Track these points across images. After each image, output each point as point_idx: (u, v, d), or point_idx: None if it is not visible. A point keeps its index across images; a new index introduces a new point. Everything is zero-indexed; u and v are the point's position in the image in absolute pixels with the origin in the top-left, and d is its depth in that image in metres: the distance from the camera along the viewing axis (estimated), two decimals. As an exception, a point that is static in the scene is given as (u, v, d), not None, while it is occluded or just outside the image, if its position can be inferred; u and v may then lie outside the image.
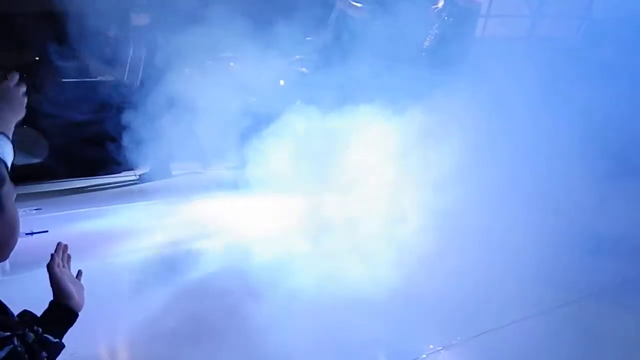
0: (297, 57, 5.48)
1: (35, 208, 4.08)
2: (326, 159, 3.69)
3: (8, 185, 0.98)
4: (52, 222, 3.68)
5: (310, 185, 3.54)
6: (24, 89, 1.28)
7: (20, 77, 1.29)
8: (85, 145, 4.67)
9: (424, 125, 3.38)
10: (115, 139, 4.71)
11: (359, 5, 4.22)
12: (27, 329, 0.97)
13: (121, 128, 4.46)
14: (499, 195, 2.92)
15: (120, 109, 4.64)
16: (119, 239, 3.28)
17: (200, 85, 5.24)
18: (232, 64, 6.98)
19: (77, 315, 1.17)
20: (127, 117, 4.43)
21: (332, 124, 3.77)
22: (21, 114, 1.28)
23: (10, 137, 1.21)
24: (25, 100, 1.29)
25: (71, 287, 1.18)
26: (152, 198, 4.27)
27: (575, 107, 3.17)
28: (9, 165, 1.17)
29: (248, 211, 3.67)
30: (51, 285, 1.17)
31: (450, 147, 3.14)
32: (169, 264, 2.88)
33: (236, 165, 4.69)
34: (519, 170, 2.98)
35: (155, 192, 4.52)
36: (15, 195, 1.01)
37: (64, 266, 1.24)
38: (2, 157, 1.16)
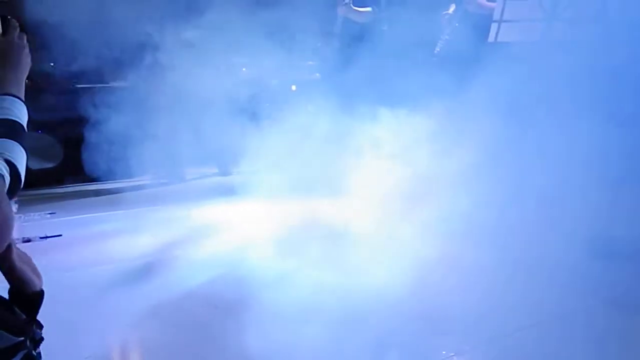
0: (310, 62, 5.51)
1: (49, 212, 4.12)
2: (336, 163, 3.70)
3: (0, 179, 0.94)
4: (66, 226, 3.71)
5: (313, 191, 3.55)
6: (25, 41, 1.21)
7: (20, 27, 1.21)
8: (100, 149, 4.70)
9: (433, 130, 3.38)
10: (130, 143, 4.76)
11: (367, 9, 4.22)
12: (35, 328, 0.94)
13: (136, 132, 4.50)
14: (509, 199, 2.90)
15: (134, 112, 4.69)
16: (132, 243, 3.29)
17: (212, 88, 5.30)
18: (244, 69, 7.03)
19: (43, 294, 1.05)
20: (141, 120, 4.48)
21: (342, 128, 3.77)
22: (28, 69, 1.21)
23: (23, 94, 1.17)
24: (29, 54, 1.22)
25: (30, 274, 1.04)
26: (164, 203, 4.30)
27: (589, 111, 3.15)
28: (25, 126, 1.15)
29: (261, 217, 3.66)
30: (9, 278, 1.02)
31: (459, 152, 3.13)
32: (180, 268, 2.88)
33: (248, 170, 4.72)
34: (532, 173, 2.96)
35: (167, 196, 4.55)
36: (6, 187, 0.97)
37: None
38: (19, 120, 1.14)
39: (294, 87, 6.28)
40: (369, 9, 4.20)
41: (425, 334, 2.20)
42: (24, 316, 0.94)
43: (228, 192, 4.37)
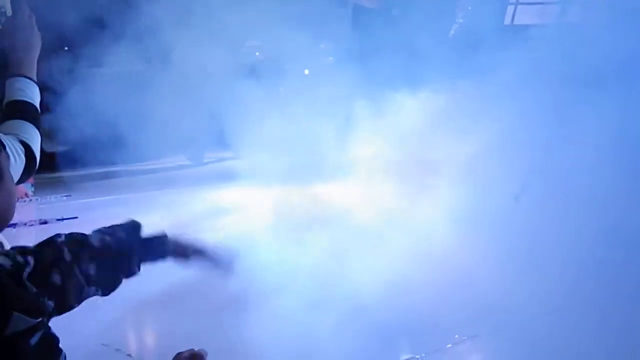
0: (322, 46, 5.47)
1: (65, 195, 4.17)
2: (345, 148, 3.68)
3: (4, 153, 0.92)
4: (82, 209, 3.77)
5: (322, 176, 3.54)
6: (34, 20, 1.20)
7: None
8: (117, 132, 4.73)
9: (446, 116, 3.35)
10: (146, 126, 4.79)
11: None
12: (46, 300, 0.88)
13: (150, 115, 4.53)
14: (519, 185, 2.87)
15: (149, 96, 4.71)
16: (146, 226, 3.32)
17: (225, 72, 5.29)
18: (257, 53, 7.02)
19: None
20: (156, 103, 4.50)
21: (354, 112, 3.76)
22: (39, 49, 1.21)
23: (35, 75, 1.17)
24: (39, 34, 1.21)
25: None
26: (180, 186, 4.33)
27: (606, 100, 3.10)
28: (38, 107, 1.15)
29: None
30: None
31: (469, 138, 3.10)
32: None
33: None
34: (543, 160, 2.92)
35: (183, 179, 4.58)
36: (10, 163, 0.96)
37: None
38: (32, 102, 1.15)
39: (306, 71, 6.27)
40: None
41: (437, 318, 2.21)
42: (35, 290, 0.87)
43: (240, 176, 4.39)
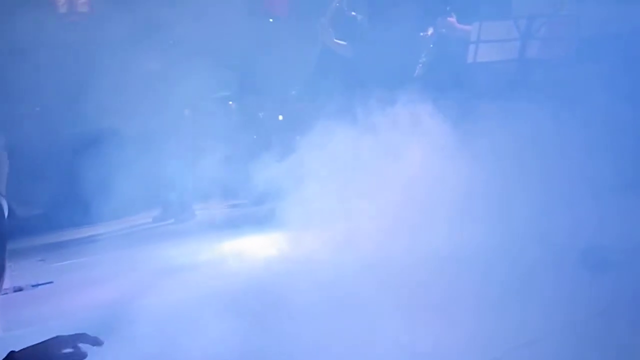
0: (293, 92, 5.58)
1: (39, 259, 4.07)
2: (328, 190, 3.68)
3: None
4: (58, 272, 3.66)
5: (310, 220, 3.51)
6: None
7: None
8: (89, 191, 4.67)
9: (414, 152, 3.38)
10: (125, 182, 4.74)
11: (343, 43, 4.30)
12: None
13: (128, 170, 4.49)
14: (494, 213, 2.89)
15: (125, 151, 4.69)
16: (125, 287, 3.24)
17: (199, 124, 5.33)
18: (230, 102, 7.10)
19: None
20: (132, 158, 4.47)
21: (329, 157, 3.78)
22: (6, 168, 1.23)
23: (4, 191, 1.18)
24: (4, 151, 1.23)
25: None
26: (160, 242, 4.26)
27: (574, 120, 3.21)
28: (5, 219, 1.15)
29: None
30: None
31: (442, 175, 3.13)
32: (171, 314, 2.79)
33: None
34: (517, 186, 2.96)
35: (164, 235, 4.50)
36: None
37: None
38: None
39: (280, 117, 6.36)
40: (345, 42, 4.27)
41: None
42: None
43: (228, 226, 4.36)
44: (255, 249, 3.68)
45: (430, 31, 3.75)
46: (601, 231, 2.69)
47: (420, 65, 3.87)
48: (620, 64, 3.98)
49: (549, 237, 2.73)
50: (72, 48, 5.09)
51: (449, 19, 3.51)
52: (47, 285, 3.42)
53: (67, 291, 3.27)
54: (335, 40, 4.26)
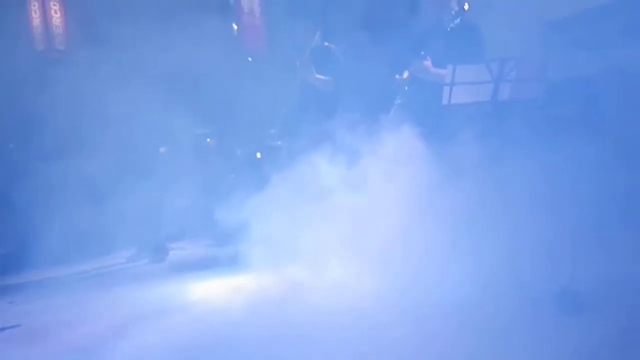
0: (272, 130, 5.60)
1: (8, 301, 3.95)
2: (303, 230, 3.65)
3: None
4: (25, 315, 3.54)
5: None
6: None
7: None
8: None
9: (387, 193, 3.40)
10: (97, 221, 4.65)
11: (322, 78, 4.36)
12: None
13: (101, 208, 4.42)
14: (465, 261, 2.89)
15: (95, 189, 4.63)
16: (95, 330, 3.15)
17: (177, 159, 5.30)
18: (209, 139, 7.10)
19: None
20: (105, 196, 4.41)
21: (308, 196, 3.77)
22: None
23: None
24: None
25: None
26: (130, 283, 4.17)
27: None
28: None
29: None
30: None
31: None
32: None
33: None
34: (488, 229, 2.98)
35: (135, 276, 4.41)
36: None
37: None
38: None
39: (258, 155, 6.36)
40: (328, 77, 4.33)
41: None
42: None
43: (201, 267, 4.30)
44: (227, 291, 3.62)
45: (405, 74, 3.83)
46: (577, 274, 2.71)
47: (396, 106, 3.93)
48: (590, 105, 4.12)
49: (527, 282, 2.74)
50: (46, 83, 5.07)
51: (424, 62, 3.58)
52: (14, 328, 3.31)
53: (35, 335, 3.15)
54: (316, 75, 4.32)
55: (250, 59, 6.43)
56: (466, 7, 3.45)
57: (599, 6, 4.25)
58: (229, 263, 4.07)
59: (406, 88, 3.81)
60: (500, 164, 3.20)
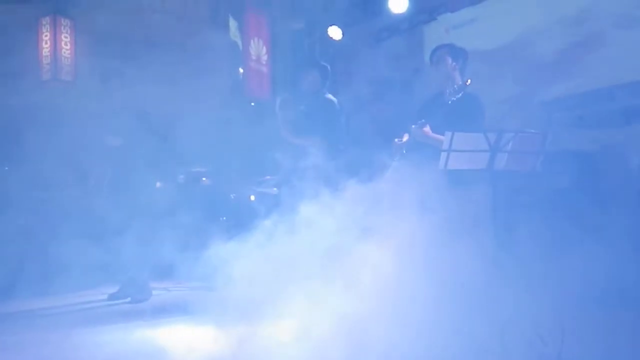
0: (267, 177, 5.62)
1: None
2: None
3: None
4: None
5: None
6: None
7: None
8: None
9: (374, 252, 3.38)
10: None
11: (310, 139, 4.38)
12: None
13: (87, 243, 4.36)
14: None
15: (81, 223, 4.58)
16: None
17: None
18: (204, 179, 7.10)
19: None
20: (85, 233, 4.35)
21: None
22: None
23: None
24: None
25: None
26: (114, 322, 4.08)
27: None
28: None
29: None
30: None
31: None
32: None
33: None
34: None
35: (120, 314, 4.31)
36: None
37: None
38: None
39: (252, 197, 6.36)
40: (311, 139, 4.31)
41: None
42: None
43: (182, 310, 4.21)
44: (205, 339, 3.53)
45: (405, 137, 3.88)
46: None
47: (393, 167, 3.96)
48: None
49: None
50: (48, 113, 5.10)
51: (424, 129, 3.65)
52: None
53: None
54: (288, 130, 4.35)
55: (253, 103, 6.51)
56: (468, 82, 3.53)
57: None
58: (212, 309, 3.98)
59: (404, 152, 3.84)
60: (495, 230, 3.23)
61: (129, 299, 4.70)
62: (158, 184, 5.63)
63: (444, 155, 3.29)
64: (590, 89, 5.29)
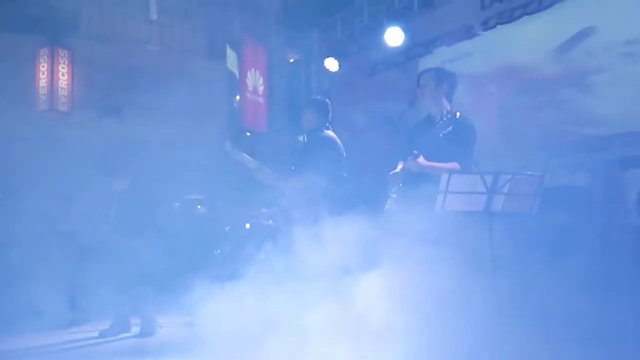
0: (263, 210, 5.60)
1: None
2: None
3: None
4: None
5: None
6: None
7: None
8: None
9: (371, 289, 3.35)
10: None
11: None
12: None
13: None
14: None
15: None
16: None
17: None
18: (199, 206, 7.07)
19: None
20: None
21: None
22: None
23: None
24: None
25: None
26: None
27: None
28: None
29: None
30: None
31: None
32: None
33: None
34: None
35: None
36: None
37: None
38: None
39: (248, 225, 6.34)
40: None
41: None
42: None
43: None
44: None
45: (399, 166, 3.86)
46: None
47: (390, 199, 3.94)
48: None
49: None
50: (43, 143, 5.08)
51: (418, 160, 3.62)
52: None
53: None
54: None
55: (249, 134, 6.52)
56: (458, 115, 3.54)
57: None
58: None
59: (400, 184, 3.83)
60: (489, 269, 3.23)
61: (130, 334, 4.59)
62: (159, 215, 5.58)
63: (440, 196, 3.29)
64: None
